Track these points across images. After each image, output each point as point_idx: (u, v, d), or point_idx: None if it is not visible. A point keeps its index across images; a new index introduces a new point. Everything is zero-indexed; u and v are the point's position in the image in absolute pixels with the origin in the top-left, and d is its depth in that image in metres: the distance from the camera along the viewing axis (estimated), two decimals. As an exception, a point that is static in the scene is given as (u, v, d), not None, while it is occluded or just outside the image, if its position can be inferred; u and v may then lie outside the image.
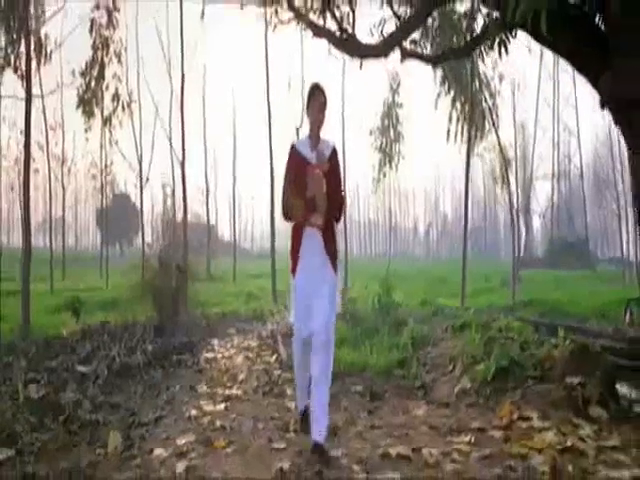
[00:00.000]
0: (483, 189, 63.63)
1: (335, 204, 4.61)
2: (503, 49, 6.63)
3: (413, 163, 60.76)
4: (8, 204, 58.40)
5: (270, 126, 20.01)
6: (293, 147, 4.73)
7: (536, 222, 55.47)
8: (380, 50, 7.68)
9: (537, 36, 5.66)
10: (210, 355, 9.03)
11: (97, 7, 20.94)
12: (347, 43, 7.86)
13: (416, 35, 8.49)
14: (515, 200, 28.98)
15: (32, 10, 15.62)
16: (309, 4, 8.22)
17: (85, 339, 9.00)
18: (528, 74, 62.88)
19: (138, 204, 28.76)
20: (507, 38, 6.58)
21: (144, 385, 6.92)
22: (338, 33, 7.89)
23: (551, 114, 44.33)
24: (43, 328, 10.71)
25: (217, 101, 60.11)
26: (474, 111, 18.01)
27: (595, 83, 5.49)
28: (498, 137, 19.52)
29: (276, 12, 8.42)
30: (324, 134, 4.83)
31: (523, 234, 42.85)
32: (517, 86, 32.65)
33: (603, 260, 46.22)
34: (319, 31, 7.98)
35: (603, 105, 5.37)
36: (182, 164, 18.10)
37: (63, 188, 29.34)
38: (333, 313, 4.52)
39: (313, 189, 4.49)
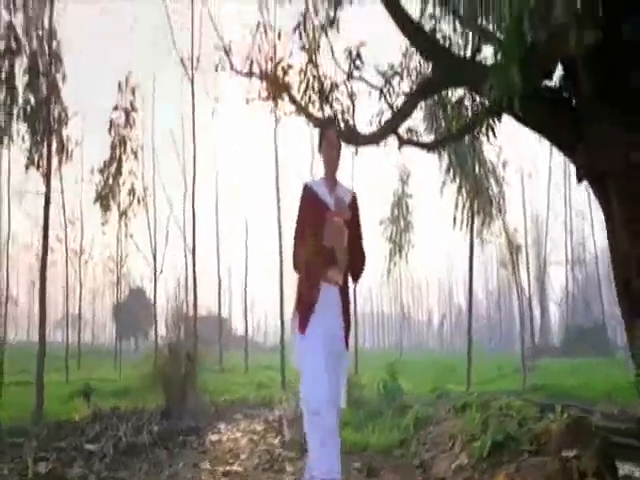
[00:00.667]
0: (497, 278, 63.70)
1: (356, 259, 4.09)
2: (491, 133, 7.04)
3: (424, 253, 61.04)
4: (29, 300, 59.35)
5: (280, 220, 20.62)
6: (307, 188, 4.10)
7: (553, 309, 55.11)
8: (376, 138, 8.11)
9: (515, 116, 6.02)
10: (215, 437, 9.12)
11: (116, 108, 22.03)
12: (346, 133, 8.29)
13: (412, 123, 8.91)
14: (527, 287, 29.04)
15: (55, 113, 16.54)
16: (308, 97, 8.71)
17: (95, 421, 9.18)
18: (540, 161, 63.65)
19: (153, 298, 29.13)
20: (494, 122, 6.99)
21: (149, 463, 7.06)
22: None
23: (563, 199, 44.72)
24: (56, 414, 10.85)
25: (229, 195, 61.39)
26: (480, 198, 18.40)
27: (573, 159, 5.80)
28: (504, 224, 19.84)
29: (276, 105, 8.92)
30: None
31: (538, 322, 42.53)
32: (529, 173, 33.20)
33: (622, 347, 45.50)
34: (318, 123, 8.43)
35: (580, 179, 5.66)
36: (193, 255, 18.54)
37: (80, 282, 29.80)
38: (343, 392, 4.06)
39: (332, 239, 3.87)
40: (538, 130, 6.09)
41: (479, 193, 18.40)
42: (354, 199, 4.16)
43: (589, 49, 4.68)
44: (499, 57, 5.18)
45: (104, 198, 21.11)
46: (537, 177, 51.50)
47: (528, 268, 30.50)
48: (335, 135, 4.13)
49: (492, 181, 19.55)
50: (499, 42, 5.43)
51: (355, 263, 4.08)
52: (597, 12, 4.88)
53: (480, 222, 19.01)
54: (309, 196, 4.05)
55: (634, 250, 5.08)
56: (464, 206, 18.76)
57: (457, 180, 18.61)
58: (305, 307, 3.92)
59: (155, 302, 25.92)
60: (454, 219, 18.89)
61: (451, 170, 18.44)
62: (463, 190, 18.67)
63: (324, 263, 3.90)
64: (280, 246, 20.33)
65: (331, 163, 4.12)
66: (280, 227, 20.60)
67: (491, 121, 7.06)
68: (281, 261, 20.16)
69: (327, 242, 3.87)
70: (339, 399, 3.97)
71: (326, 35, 8.40)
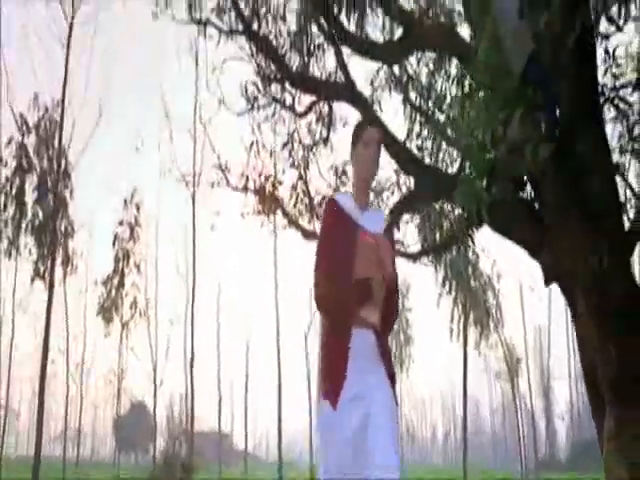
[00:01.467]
0: (501, 393, 62.69)
1: (390, 302, 2.97)
2: (470, 241, 7.46)
3: (426, 367, 60.53)
4: (31, 413, 58.64)
5: (278, 334, 20.94)
6: (333, 202, 3.05)
7: (558, 423, 53.99)
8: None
9: (488, 224, 6.40)
10: None
11: (121, 223, 22.85)
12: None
13: (399, 235, 9.32)
14: (530, 401, 28.77)
15: (62, 227, 17.20)
16: (298, 210, 9.21)
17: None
18: (539, 274, 63.67)
19: (153, 412, 28.98)
20: (472, 231, 7.43)
21: None
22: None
23: (564, 313, 44.76)
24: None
25: (230, 309, 61.53)
26: (476, 310, 18.71)
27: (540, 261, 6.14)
28: (500, 336, 20.03)
29: (268, 218, 9.44)
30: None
31: (543, 436, 41.69)
32: (529, 287, 33.34)
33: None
34: (308, 235, 8.90)
35: (547, 282, 5.97)
36: (191, 368, 18.73)
37: (81, 395, 29.72)
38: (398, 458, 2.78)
39: (368, 267, 2.87)
40: (504, 234, 6.44)
41: (475, 305, 18.74)
42: (390, 226, 3.20)
43: (546, 162, 5.15)
44: (466, 171, 5.66)
45: (106, 310, 21.54)
46: (538, 290, 51.57)
47: (529, 381, 30.31)
48: (376, 133, 3.09)
49: (489, 293, 19.92)
50: (469, 156, 5.93)
51: (391, 304, 2.98)
52: (554, 129, 5.43)
53: (478, 334, 19.27)
54: (334, 212, 3.01)
55: (601, 349, 5.32)
56: (460, 318, 19.07)
57: (452, 293, 19.01)
58: (334, 364, 2.85)
59: (155, 416, 25.80)
60: (450, 331, 19.15)
61: (447, 283, 18.85)
62: (459, 302, 19.04)
63: (356, 299, 2.86)
64: (279, 360, 20.58)
65: (365, 176, 3.08)
66: (279, 341, 20.94)
67: (470, 230, 7.47)
68: (280, 376, 20.38)
69: (360, 272, 2.86)
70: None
71: (312, 153, 8.97)
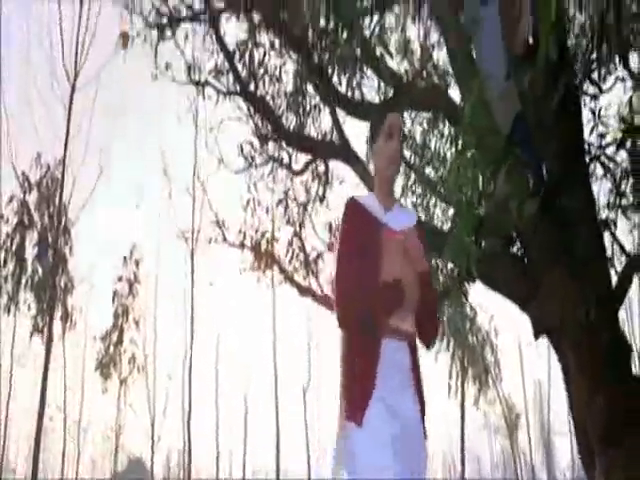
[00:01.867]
0: (502, 450, 61.73)
1: (429, 303, 2.58)
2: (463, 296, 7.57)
3: (425, 423, 59.70)
4: (28, 470, 57.53)
5: (277, 391, 20.94)
6: (353, 201, 2.66)
7: (560, 478, 53.11)
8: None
9: (478, 278, 6.51)
10: None
11: (120, 279, 22.96)
12: (327, 299, 8.82)
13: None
14: (530, 456, 28.43)
15: (62, 283, 17.33)
16: (293, 267, 9.37)
17: None
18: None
19: (151, 468, 28.64)
20: (465, 287, 7.55)
21: None
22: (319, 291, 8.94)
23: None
24: None
25: (228, 364, 60.90)
26: (475, 367, 18.66)
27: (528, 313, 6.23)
28: (498, 393, 19.93)
29: (264, 273, 9.57)
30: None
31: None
32: (527, 342, 33.23)
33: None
34: (304, 291, 9.04)
35: (536, 336, 6.05)
36: (188, 426, 18.66)
37: (78, 451, 29.42)
38: None
39: (397, 268, 2.49)
40: (495, 288, 6.55)
41: (473, 362, 18.70)
42: (419, 223, 2.80)
43: (533, 217, 5.30)
44: (455, 228, 5.80)
45: (105, 366, 21.47)
46: (537, 345, 51.13)
47: (530, 436, 29.96)
48: (398, 120, 2.73)
49: (487, 349, 19.88)
50: (459, 212, 6.09)
51: (428, 309, 2.58)
52: (540, 186, 5.59)
53: (476, 390, 19.16)
54: (356, 212, 2.65)
55: (590, 400, 5.38)
56: (458, 375, 18.99)
57: (450, 349, 18.96)
58: (360, 381, 2.42)
59: (153, 472, 25.55)
60: (449, 387, 19.06)
61: (444, 338, 18.81)
62: (457, 358, 18.99)
63: (384, 306, 2.46)
64: (277, 417, 20.55)
65: (387, 174, 2.72)
66: (277, 398, 20.93)
67: (463, 286, 7.59)
68: (278, 432, 20.29)
69: (388, 274, 2.47)
70: None
71: (305, 210, 9.14)
